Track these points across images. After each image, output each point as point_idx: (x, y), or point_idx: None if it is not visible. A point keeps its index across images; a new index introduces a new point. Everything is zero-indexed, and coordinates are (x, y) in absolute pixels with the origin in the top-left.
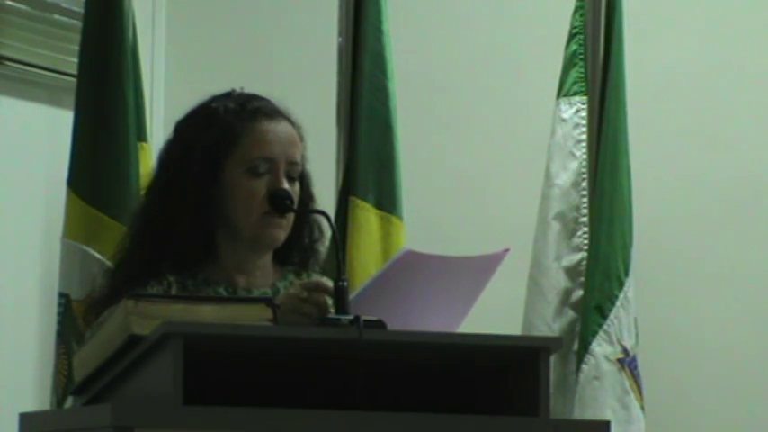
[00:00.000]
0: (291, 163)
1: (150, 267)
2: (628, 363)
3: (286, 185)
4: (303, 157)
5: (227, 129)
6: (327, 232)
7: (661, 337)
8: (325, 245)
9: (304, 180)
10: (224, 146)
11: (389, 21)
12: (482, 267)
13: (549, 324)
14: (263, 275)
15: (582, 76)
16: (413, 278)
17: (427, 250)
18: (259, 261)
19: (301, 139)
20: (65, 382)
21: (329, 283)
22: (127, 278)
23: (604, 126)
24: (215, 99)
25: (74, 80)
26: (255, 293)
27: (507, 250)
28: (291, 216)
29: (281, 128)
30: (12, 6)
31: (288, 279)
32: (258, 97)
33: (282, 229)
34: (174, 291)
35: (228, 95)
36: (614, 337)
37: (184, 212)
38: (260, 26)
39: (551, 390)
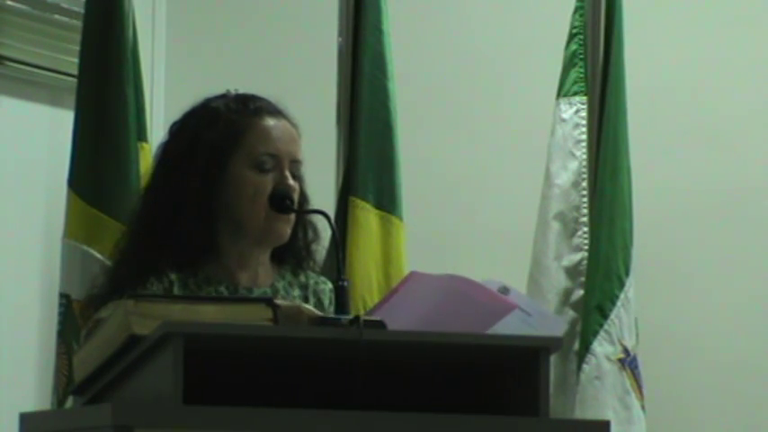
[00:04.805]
0: (294, 161)
1: (150, 265)
2: (628, 362)
3: (291, 181)
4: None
5: (232, 125)
6: (323, 233)
7: (661, 337)
8: (321, 245)
9: (300, 180)
10: (229, 142)
11: (389, 21)
12: (487, 311)
13: None
14: (265, 273)
15: (582, 76)
16: (417, 299)
17: (427, 250)
18: (261, 257)
19: (299, 138)
20: (65, 382)
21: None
22: (127, 275)
23: (604, 126)
24: (212, 99)
25: (74, 80)
26: (256, 292)
27: (516, 307)
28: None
29: (284, 125)
30: (12, 6)
31: (286, 279)
32: (257, 96)
33: (288, 225)
34: (175, 289)
35: (225, 96)
36: (615, 337)
37: (188, 210)
38: (260, 26)
39: (552, 390)
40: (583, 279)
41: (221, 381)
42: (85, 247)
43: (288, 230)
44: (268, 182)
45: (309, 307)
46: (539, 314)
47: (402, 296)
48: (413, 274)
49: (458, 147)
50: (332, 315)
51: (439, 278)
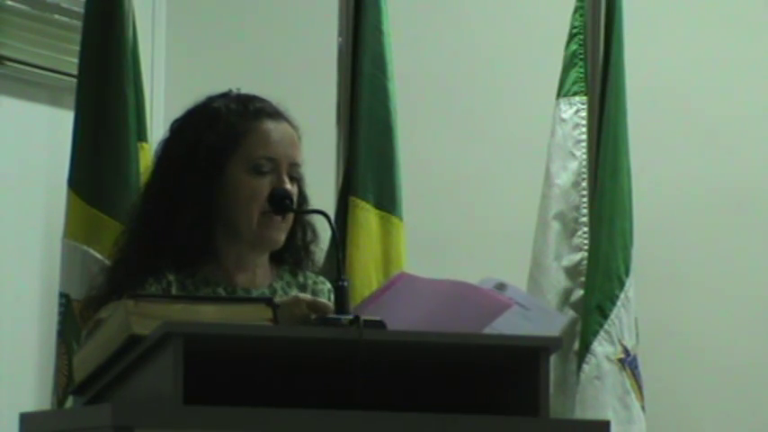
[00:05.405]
0: (293, 164)
1: (149, 265)
2: (629, 363)
3: (288, 185)
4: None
5: (231, 127)
6: (322, 234)
7: (661, 337)
8: (320, 246)
9: (299, 182)
10: (228, 144)
11: (389, 21)
12: (484, 312)
13: None
14: (263, 274)
15: (582, 76)
16: (412, 301)
17: (427, 250)
18: (258, 260)
19: (300, 140)
20: (65, 382)
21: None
22: (125, 275)
23: (604, 126)
24: (214, 99)
25: (74, 80)
26: (254, 293)
27: (511, 305)
28: (291, 217)
29: (284, 128)
30: (12, 6)
31: (284, 279)
32: (259, 98)
33: (282, 231)
34: (173, 290)
35: (227, 95)
36: (615, 337)
37: (186, 211)
38: (260, 26)
39: (552, 390)
40: (583, 279)
41: (221, 381)
42: (85, 248)
43: (281, 236)
44: (265, 185)
45: (306, 295)
46: (537, 308)
47: (393, 297)
48: (402, 276)
49: (458, 147)
50: (332, 315)
51: (433, 282)
